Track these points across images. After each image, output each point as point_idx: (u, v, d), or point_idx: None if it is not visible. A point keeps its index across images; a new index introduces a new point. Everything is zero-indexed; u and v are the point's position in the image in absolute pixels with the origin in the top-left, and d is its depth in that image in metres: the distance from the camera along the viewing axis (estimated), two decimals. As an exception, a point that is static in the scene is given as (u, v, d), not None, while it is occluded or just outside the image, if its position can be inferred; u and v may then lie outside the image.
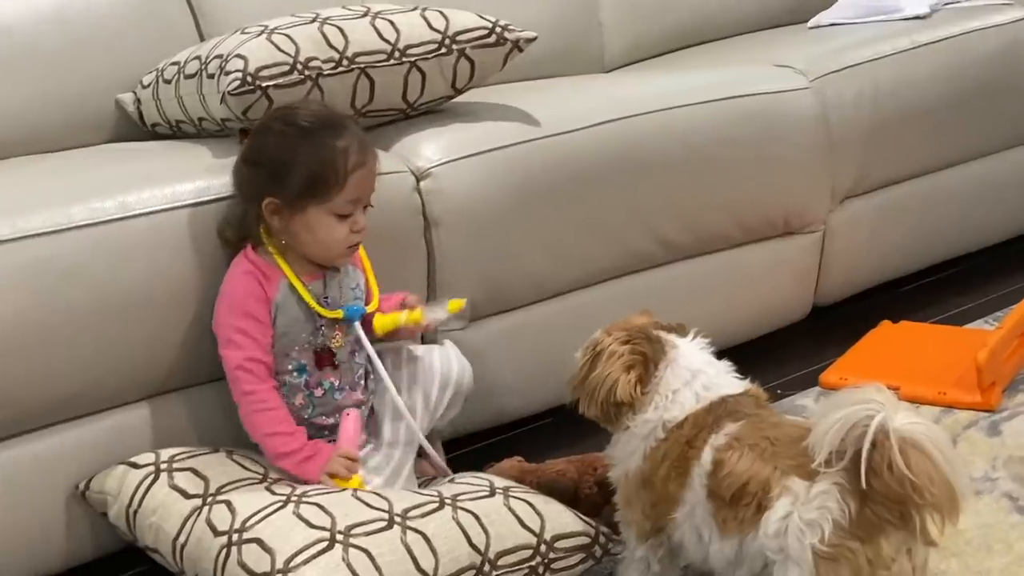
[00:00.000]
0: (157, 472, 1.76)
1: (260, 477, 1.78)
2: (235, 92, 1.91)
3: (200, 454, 1.80)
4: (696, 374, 1.69)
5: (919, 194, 2.74)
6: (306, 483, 1.76)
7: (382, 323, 1.88)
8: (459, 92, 2.15)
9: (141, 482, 1.76)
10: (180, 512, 1.71)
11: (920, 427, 1.41)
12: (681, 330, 1.74)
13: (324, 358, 1.84)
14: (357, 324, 1.85)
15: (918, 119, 2.65)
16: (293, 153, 1.76)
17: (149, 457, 1.79)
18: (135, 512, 1.75)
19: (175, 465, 1.77)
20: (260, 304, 1.78)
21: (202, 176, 1.87)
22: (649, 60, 2.94)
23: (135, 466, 1.78)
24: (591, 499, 1.91)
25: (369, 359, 1.87)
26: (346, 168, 1.77)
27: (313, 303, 1.81)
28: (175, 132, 2.18)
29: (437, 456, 1.94)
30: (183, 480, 1.75)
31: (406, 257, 2.01)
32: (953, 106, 2.70)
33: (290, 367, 1.82)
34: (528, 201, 2.11)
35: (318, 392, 1.85)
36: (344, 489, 1.74)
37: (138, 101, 2.23)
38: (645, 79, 2.52)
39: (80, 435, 1.80)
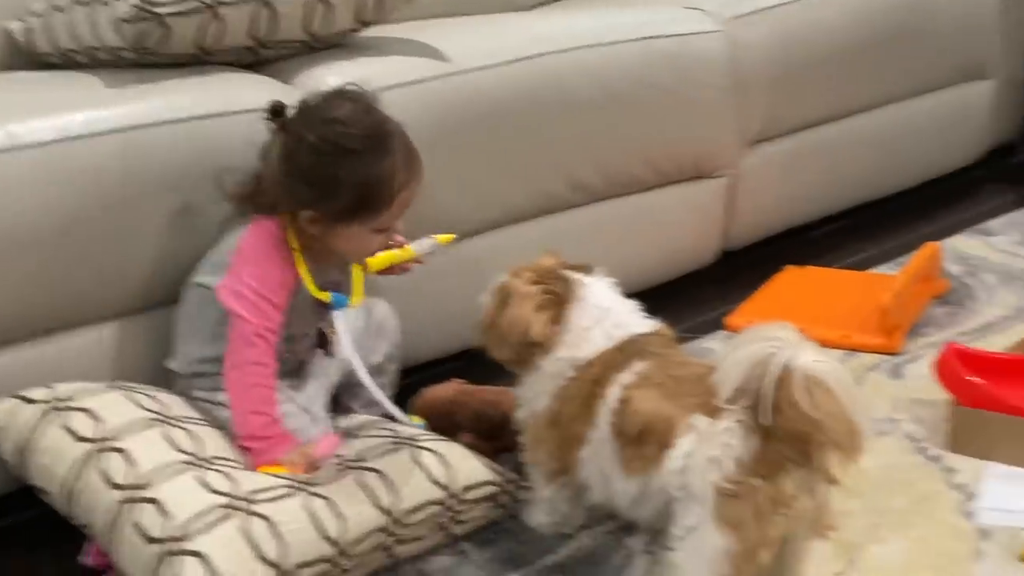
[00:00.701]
0: (50, 409, 1.69)
1: (160, 418, 1.71)
2: (129, 19, 1.84)
3: (98, 392, 1.73)
4: (606, 312, 1.69)
5: (829, 140, 2.76)
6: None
7: (376, 262, 1.86)
8: (365, 25, 2.09)
9: (33, 419, 1.68)
10: (73, 455, 1.64)
11: (824, 365, 1.40)
12: (587, 270, 1.73)
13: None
14: (336, 311, 1.81)
15: (829, 63, 2.65)
16: (339, 176, 1.70)
17: (42, 392, 1.71)
18: (25, 449, 1.68)
19: (71, 404, 1.69)
20: (287, 289, 1.75)
21: (94, 107, 1.79)
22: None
23: (28, 400, 1.71)
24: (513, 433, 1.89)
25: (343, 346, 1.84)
26: (393, 189, 1.72)
27: (314, 289, 1.78)
28: (66, 62, 2.09)
29: (403, 415, 1.91)
30: (77, 421, 1.67)
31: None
32: (865, 51, 2.71)
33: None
34: (438, 139, 2.06)
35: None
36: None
37: (29, 30, 2.14)
38: (562, 17, 2.48)
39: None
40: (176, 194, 1.82)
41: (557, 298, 1.67)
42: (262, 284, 1.72)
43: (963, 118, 3.09)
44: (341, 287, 1.83)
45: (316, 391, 1.89)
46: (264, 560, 1.54)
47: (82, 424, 1.67)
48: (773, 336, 1.42)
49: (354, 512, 1.62)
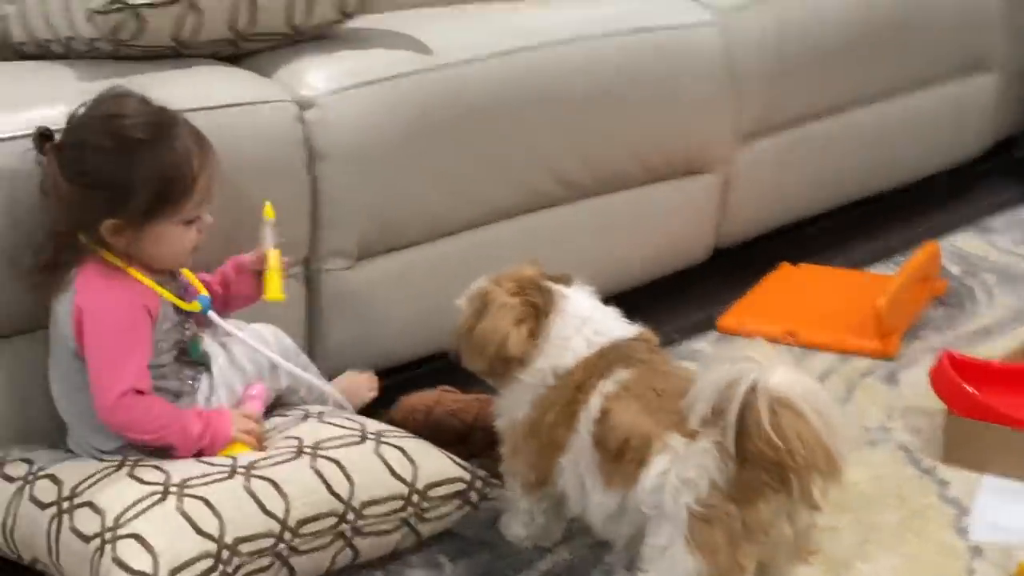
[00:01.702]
0: None
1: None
2: (102, 10, 1.79)
3: (35, 449, 1.71)
4: (586, 320, 1.66)
5: (826, 134, 2.71)
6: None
7: (274, 288, 1.78)
8: (348, 17, 2.04)
9: None
10: (4, 498, 1.64)
11: (796, 386, 1.36)
12: (567, 280, 1.71)
13: (183, 353, 1.74)
14: (212, 312, 1.75)
15: (824, 57, 2.60)
16: (133, 172, 1.60)
17: None
18: None
19: (7, 459, 1.68)
20: (147, 322, 1.66)
21: (65, 102, 1.71)
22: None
23: None
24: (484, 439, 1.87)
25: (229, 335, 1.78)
26: (192, 173, 1.64)
27: (178, 301, 1.70)
28: (44, 52, 2.04)
29: (341, 397, 1.88)
30: (11, 468, 1.67)
31: (287, 192, 1.91)
32: (863, 43, 2.67)
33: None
34: (421, 134, 2.03)
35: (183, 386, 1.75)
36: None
37: (3, 17, 2.09)
38: (547, 8, 2.43)
39: None
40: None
41: (537, 310, 1.63)
42: (119, 338, 1.63)
43: (965, 112, 3.03)
44: (187, 294, 1.76)
45: (209, 380, 1.78)
46: (202, 533, 1.52)
47: (13, 469, 1.67)
48: (745, 356, 1.38)
49: (300, 493, 1.60)
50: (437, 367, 2.13)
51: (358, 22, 2.09)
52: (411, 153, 2.03)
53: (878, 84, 2.77)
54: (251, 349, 1.77)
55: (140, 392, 1.62)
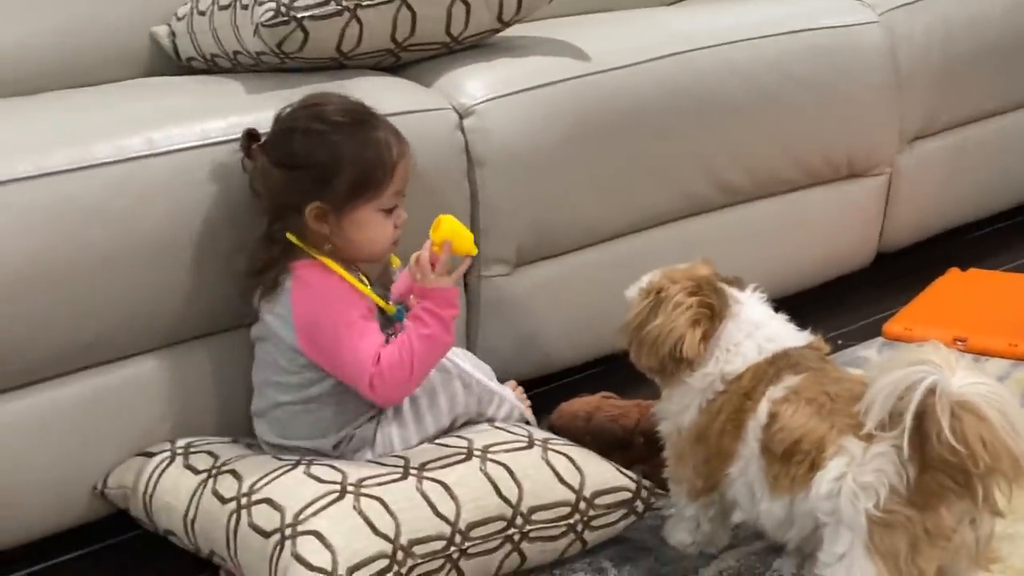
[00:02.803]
0: (173, 456, 1.73)
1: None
2: (268, 24, 1.84)
3: (217, 442, 1.77)
4: (758, 326, 1.62)
5: (991, 135, 2.65)
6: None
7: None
8: (506, 25, 2.06)
9: (156, 468, 1.73)
10: (189, 487, 1.68)
11: (980, 389, 1.32)
12: (739, 284, 1.68)
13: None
14: (407, 322, 1.74)
15: (991, 55, 2.54)
16: (338, 152, 1.67)
17: (164, 445, 1.76)
18: (150, 497, 1.72)
19: (191, 449, 1.74)
20: (362, 301, 1.70)
21: (233, 112, 1.79)
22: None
23: (150, 455, 1.75)
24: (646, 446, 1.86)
25: None
26: (392, 160, 1.70)
27: (379, 300, 1.73)
28: (211, 66, 2.11)
29: (528, 412, 1.89)
30: (196, 459, 1.72)
31: (448, 199, 1.93)
32: (1029, 42, 2.59)
33: None
34: (578, 140, 2.03)
35: None
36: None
37: (173, 34, 2.17)
38: (705, 12, 2.42)
39: (98, 384, 1.73)
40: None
41: (712, 312, 1.60)
42: (346, 318, 1.67)
43: None
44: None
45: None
46: (378, 534, 1.55)
47: (201, 461, 1.71)
48: (923, 359, 1.34)
49: (471, 497, 1.62)
50: (595, 373, 2.14)
51: (514, 30, 2.11)
52: (568, 159, 2.04)
53: (1047, 82, 2.69)
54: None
55: (375, 372, 1.65)
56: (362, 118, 1.72)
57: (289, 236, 1.71)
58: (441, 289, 1.70)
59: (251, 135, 1.72)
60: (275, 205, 1.71)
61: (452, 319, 1.70)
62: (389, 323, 1.75)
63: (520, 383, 1.98)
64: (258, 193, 1.72)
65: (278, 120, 1.74)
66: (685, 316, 1.59)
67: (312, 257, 1.70)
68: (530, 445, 1.72)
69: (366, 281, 1.74)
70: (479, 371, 1.83)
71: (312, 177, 1.68)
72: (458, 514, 1.60)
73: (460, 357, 1.82)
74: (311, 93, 1.77)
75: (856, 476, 1.38)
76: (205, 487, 1.67)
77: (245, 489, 1.62)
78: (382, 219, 1.71)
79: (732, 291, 1.64)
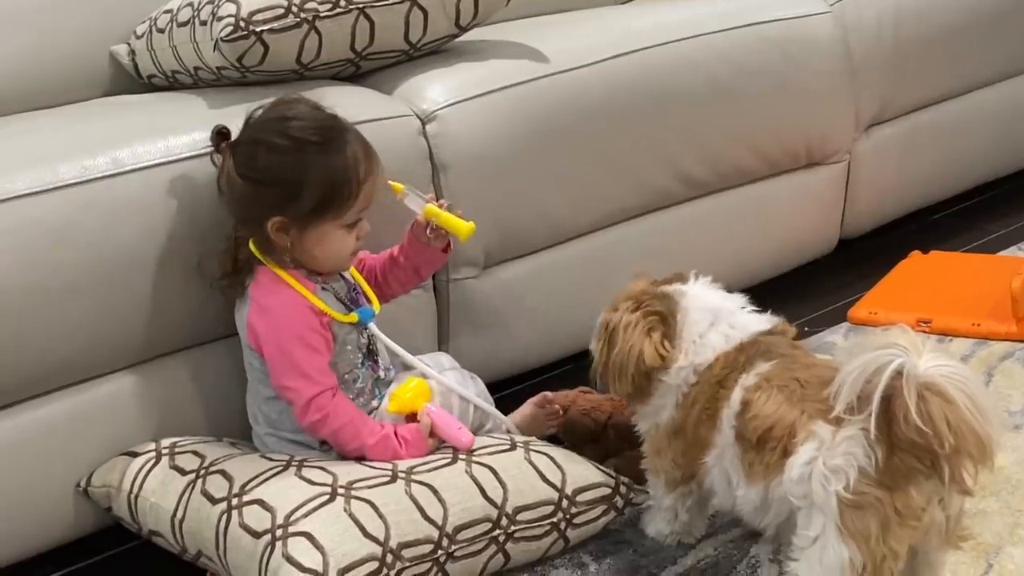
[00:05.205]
0: (158, 456, 1.73)
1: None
2: (228, 39, 1.84)
3: (201, 441, 1.77)
4: (716, 313, 1.65)
5: (946, 119, 2.67)
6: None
7: (460, 225, 1.79)
8: (464, 30, 2.07)
9: (141, 468, 1.73)
10: (176, 488, 1.68)
11: (946, 371, 1.34)
12: (682, 278, 1.70)
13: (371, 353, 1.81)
14: (372, 324, 1.78)
15: (943, 41, 2.56)
16: (303, 171, 1.66)
17: (149, 445, 1.76)
18: (136, 497, 1.72)
19: (176, 449, 1.74)
20: (317, 322, 1.70)
21: (197, 128, 1.79)
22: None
23: (134, 455, 1.75)
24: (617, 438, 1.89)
25: (392, 352, 1.82)
26: (359, 179, 1.69)
27: (334, 313, 1.73)
28: (172, 83, 2.12)
29: (511, 424, 1.90)
30: (183, 460, 1.72)
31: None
32: (979, 26, 2.62)
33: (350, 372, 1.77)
34: (541, 141, 2.04)
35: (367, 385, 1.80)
36: None
37: (132, 52, 2.17)
38: (658, 9, 2.43)
39: (75, 403, 1.74)
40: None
41: (662, 316, 1.63)
42: (298, 344, 1.68)
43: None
44: (360, 299, 1.80)
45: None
46: (368, 536, 1.56)
47: (188, 462, 1.71)
48: (890, 343, 1.36)
49: (458, 500, 1.63)
50: (567, 370, 2.16)
51: (472, 34, 2.12)
52: (531, 160, 2.05)
53: (1000, 64, 2.72)
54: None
55: (328, 391, 1.68)
56: (331, 135, 1.69)
57: (251, 246, 1.71)
58: (422, 445, 1.72)
59: (221, 133, 1.72)
60: (238, 212, 1.72)
61: (398, 455, 1.71)
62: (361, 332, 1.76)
63: (491, 383, 1.99)
64: (223, 193, 1.72)
65: (247, 125, 1.72)
66: (637, 331, 1.62)
67: (264, 267, 1.71)
68: (513, 447, 1.74)
69: (329, 288, 1.75)
70: (480, 399, 1.85)
71: (275, 194, 1.67)
72: (445, 518, 1.61)
73: (460, 384, 1.83)
74: (283, 98, 1.75)
75: (826, 460, 1.40)
76: (194, 487, 1.66)
77: (236, 489, 1.63)
78: (344, 234, 1.71)
79: (675, 287, 1.67)
